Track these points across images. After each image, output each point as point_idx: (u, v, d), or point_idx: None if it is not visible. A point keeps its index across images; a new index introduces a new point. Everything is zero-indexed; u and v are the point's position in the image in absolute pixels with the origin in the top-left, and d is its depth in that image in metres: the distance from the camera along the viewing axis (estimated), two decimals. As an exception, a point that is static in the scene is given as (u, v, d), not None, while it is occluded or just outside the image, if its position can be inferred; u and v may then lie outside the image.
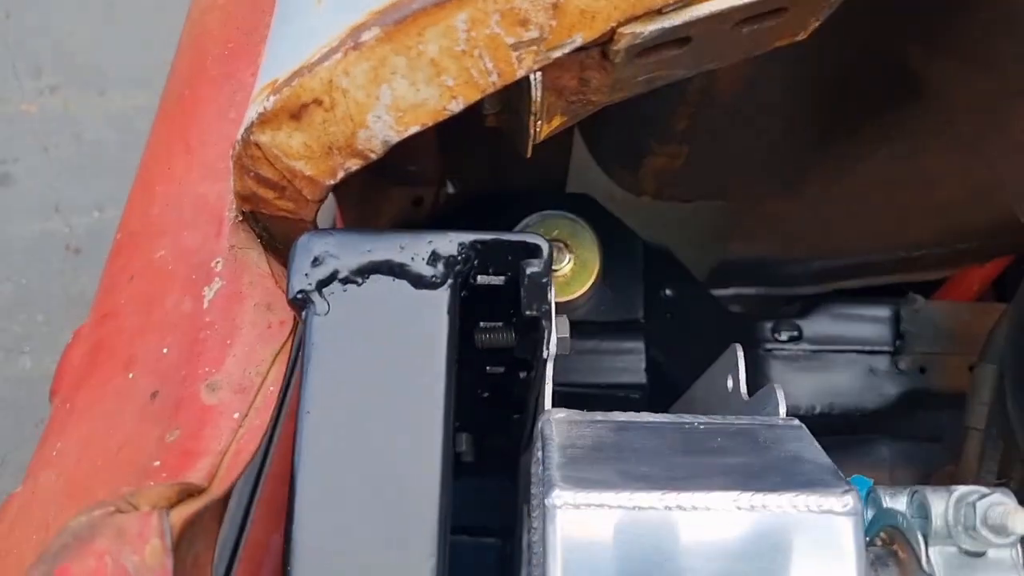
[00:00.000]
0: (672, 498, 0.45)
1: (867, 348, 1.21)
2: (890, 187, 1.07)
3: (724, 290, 1.37)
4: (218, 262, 0.54)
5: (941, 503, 0.45)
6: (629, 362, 1.07)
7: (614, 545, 0.44)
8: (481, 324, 0.60)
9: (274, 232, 0.56)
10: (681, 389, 0.87)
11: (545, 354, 0.56)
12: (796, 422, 0.54)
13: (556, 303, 1.00)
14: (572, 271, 1.03)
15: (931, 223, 1.20)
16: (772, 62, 0.82)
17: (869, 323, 1.21)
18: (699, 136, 0.91)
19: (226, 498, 0.43)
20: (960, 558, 0.45)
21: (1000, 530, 0.43)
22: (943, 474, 1.19)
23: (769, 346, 1.22)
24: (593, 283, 1.05)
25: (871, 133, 0.94)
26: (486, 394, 0.74)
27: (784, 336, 1.22)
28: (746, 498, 0.45)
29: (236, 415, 0.47)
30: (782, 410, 0.57)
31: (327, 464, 0.46)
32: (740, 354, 0.68)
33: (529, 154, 0.55)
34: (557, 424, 0.53)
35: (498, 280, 0.54)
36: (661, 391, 1.10)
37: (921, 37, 0.64)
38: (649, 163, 1.00)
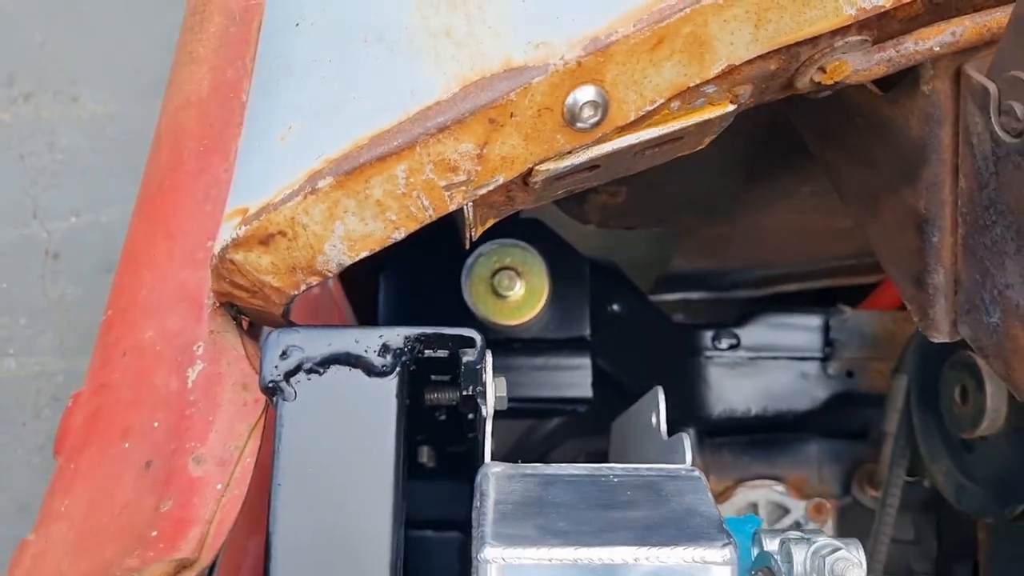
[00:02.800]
0: (583, 552, 0.55)
1: (799, 355, 1.32)
2: (813, 214, 1.17)
3: (669, 296, 1.48)
4: (199, 346, 0.62)
5: (801, 553, 0.56)
6: (577, 377, 1.17)
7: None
8: (432, 378, 0.69)
9: (248, 315, 0.65)
10: (629, 395, 0.97)
11: (484, 413, 0.66)
12: (696, 472, 0.64)
13: (508, 325, 1.10)
14: (523, 297, 1.13)
15: (854, 238, 1.30)
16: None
17: (801, 331, 1.32)
18: (636, 180, 1.00)
19: (212, 565, 0.52)
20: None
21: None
22: (863, 472, 1.31)
23: (710, 354, 1.32)
24: (543, 306, 1.14)
25: (790, 178, 1.04)
26: (443, 417, 0.84)
27: (724, 344, 1.32)
28: (643, 552, 0.55)
29: (219, 486, 0.56)
30: (688, 459, 0.67)
31: (296, 529, 0.55)
32: (661, 396, 0.78)
33: (468, 247, 0.64)
34: (494, 478, 0.62)
35: (442, 354, 0.63)
36: (611, 396, 1.21)
37: (817, 129, 0.73)
38: (592, 199, 1.09)
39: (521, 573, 0.55)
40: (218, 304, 0.63)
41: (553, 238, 1.18)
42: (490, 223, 0.62)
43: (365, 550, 0.56)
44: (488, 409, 0.65)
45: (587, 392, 1.16)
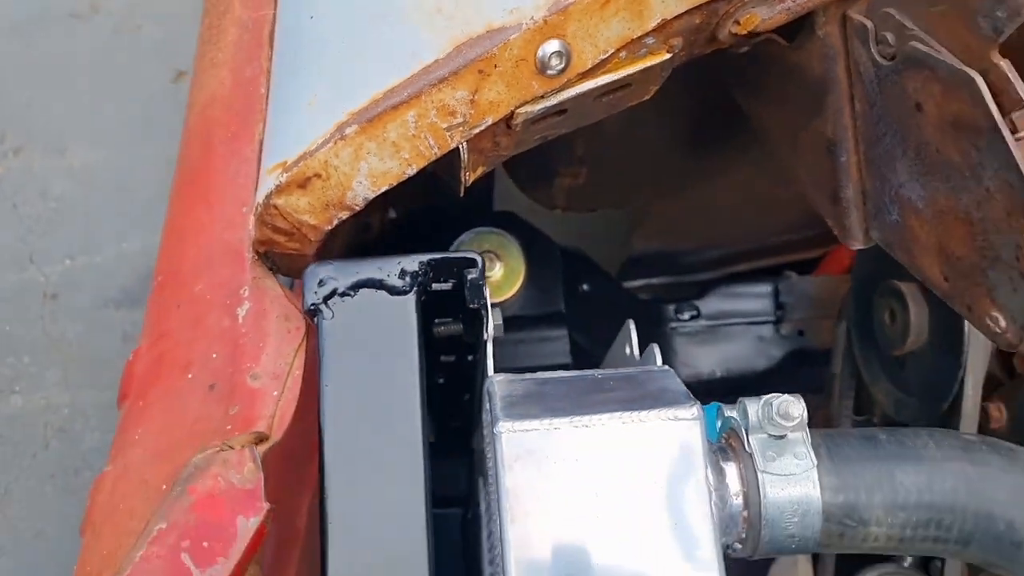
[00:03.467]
0: (577, 420, 0.67)
1: (754, 319, 1.46)
2: (755, 183, 1.32)
3: (634, 282, 1.61)
4: (245, 289, 0.74)
5: (754, 406, 0.68)
6: (555, 347, 1.29)
7: (540, 453, 0.66)
8: (436, 321, 0.82)
9: (281, 265, 0.77)
10: (601, 365, 1.10)
11: (485, 336, 0.78)
12: (667, 368, 0.77)
13: (491, 303, 1.24)
14: (502, 277, 1.26)
15: (794, 210, 1.45)
16: (638, 108, 1.06)
17: (754, 299, 1.46)
18: (594, 159, 1.14)
19: (283, 440, 0.64)
20: (769, 441, 0.68)
21: (787, 416, 0.66)
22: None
23: (673, 325, 1.46)
24: (521, 285, 1.27)
25: (730, 147, 1.18)
26: (442, 380, 0.96)
27: (685, 315, 1.46)
28: (627, 416, 0.67)
29: (275, 393, 0.68)
30: (659, 361, 0.80)
31: (343, 421, 0.67)
32: (632, 327, 0.91)
33: (462, 195, 0.77)
34: (499, 383, 0.74)
35: (447, 286, 0.76)
36: (585, 367, 1.33)
37: (740, 85, 0.88)
38: (557, 183, 1.23)
39: (528, 440, 0.67)
40: (257, 256, 0.76)
41: (526, 226, 1.31)
42: (479, 171, 0.76)
43: (398, 425, 0.68)
44: (490, 329, 0.78)
45: (567, 359, 1.29)
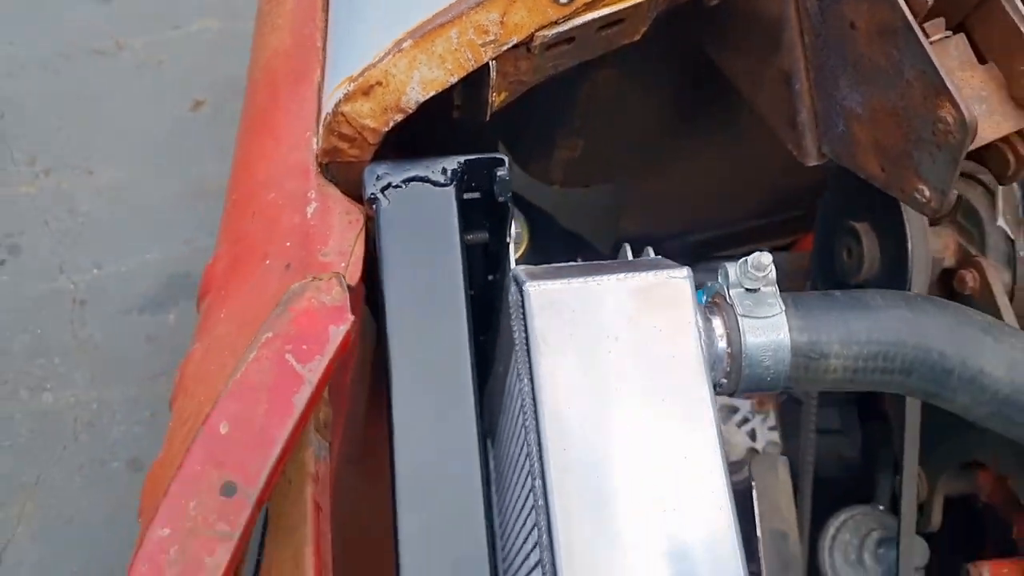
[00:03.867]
0: (590, 280, 0.83)
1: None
2: (731, 164, 1.49)
3: (623, 265, 1.78)
4: (311, 193, 0.90)
5: (733, 267, 0.84)
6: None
7: (561, 303, 0.81)
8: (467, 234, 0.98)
9: (339, 177, 0.93)
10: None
11: (509, 239, 0.95)
12: (660, 256, 0.93)
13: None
14: (509, 242, 1.42)
15: (768, 196, 1.64)
16: (632, 79, 1.25)
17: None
18: (589, 130, 1.32)
19: (356, 288, 0.79)
20: (746, 294, 0.84)
21: (759, 266, 0.82)
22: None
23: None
24: (524, 251, 1.44)
25: (708, 123, 1.37)
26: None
27: (670, 289, 1.62)
28: (631, 276, 0.83)
29: (343, 264, 0.84)
30: (651, 254, 0.96)
31: (402, 281, 0.83)
32: (628, 248, 1.07)
33: (487, 118, 0.94)
34: (522, 269, 0.90)
35: (476, 195, 0.92)
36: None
37: (712, 40, 1.06)
38: (556, 155, 1.40)
39: (551, 293, 0.82)
40: (320, 168, 0.92)
41: (527, 202, 1.48)
42: (503, 96, 0.93)
43: (445, 286, 0.83)
44: (513, 232, 0.94)
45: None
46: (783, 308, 0.84)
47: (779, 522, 1.22)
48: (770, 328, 0.84)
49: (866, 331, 0.84)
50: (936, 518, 1.28)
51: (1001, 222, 1.15)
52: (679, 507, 0.75)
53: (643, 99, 1.32)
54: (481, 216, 0.95)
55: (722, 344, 0.84)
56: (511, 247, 0.95)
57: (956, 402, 0.84)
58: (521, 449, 0.83)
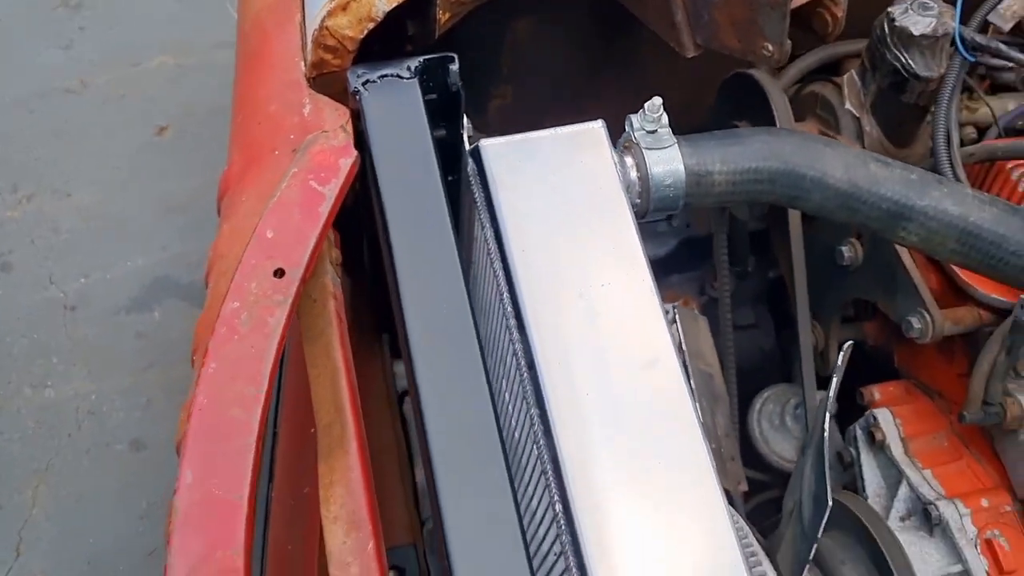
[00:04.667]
0: (530, 134, 1.09)
1: (651, 218, 1.90)
2: (637, 93, 1.78)
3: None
4: (305, 99, 1.15)
5: (636, 116, 1.11)
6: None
7: (507, 151, 1.07)
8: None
9: (325, 90, 1.18)
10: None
11: (462, 130, 1.21)
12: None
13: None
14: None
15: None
16: (548, 24, 1.53)
17: (650, 204, 1.91)
18: (516, 76, 1.59)
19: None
20: (647, 135, 1.10)
21: (654, 109, 1.09)
22: (709, 275, 1.87)
23: (592, 231, 1.89)
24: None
25: (618, 58, 1.65)
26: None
27: (600, 224, 1.89)
28: (559, 128, 1.09)
29: (342, 136, 1.09)
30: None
31: (388, 158, 1.08)
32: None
33: (435, 39, 1.20)
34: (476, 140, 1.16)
35: (433, 96, 1.18)
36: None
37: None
38: (491, 106, 1.67)
39: (499, 146, 1.08)
40: (310, 82, 1.17)
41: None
42: (448, 17, 1.20)
43: (419, 152, 1.08)
44: (464, 124, 1.20)
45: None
46: (676, 142, 1.11)
47: (704, 365, 1.47)
48: (668, 158, 1.10)
49: (739, 153, 1.11)
50: (832, 361, 1.55)
51: (848, 106, 1.45)
52: (610, 282, 1.01)
53: (560, 42, 1.60)
54: (439, 116, 1.21)
55: (633, 173, 1.10)
56: (465, 139, 1.21)
57: (811, 201, 1.12)
58: (495, 296, 1.07)
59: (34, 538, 1.98)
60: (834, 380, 1.20)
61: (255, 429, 0.83)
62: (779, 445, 1.70)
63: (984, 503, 1.29)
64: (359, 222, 1.57)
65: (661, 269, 1.94)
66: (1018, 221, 1.09)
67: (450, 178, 1.33)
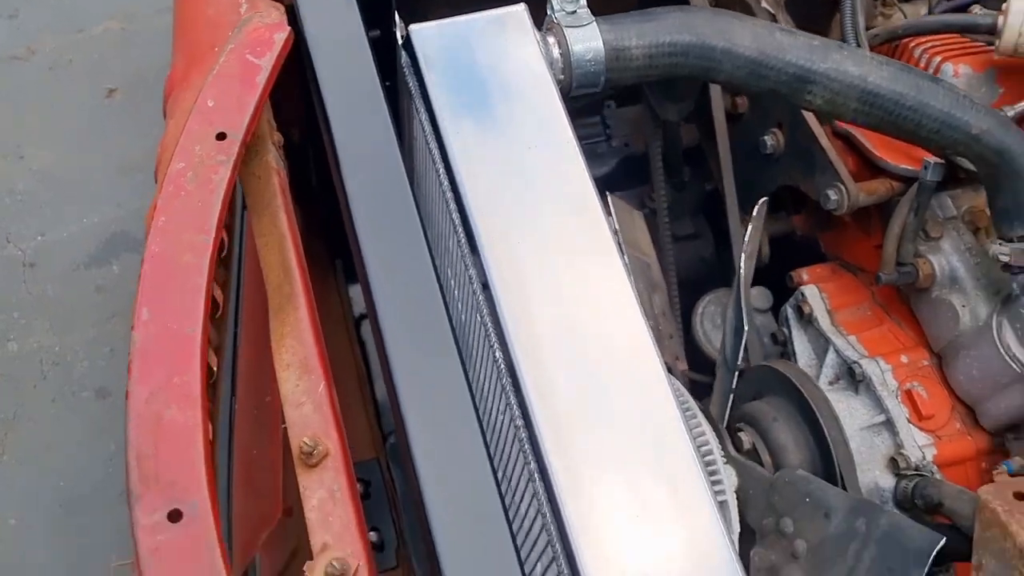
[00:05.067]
0: (457, 18, 1.16)
1: (593, 140, 1.98)
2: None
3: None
4: (242, 1, 1.21)
5: (558, 1, 1.18)
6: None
7: (436, 35, 1.13)
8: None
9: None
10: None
11: (395, 28, 1.27)
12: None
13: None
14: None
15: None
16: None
17: (590, 127, 1.99)
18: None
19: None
20: (567, 15, 1.17)
21: (571, -10, 1.16)
22: (644, 191, 1.96)
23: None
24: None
25: None
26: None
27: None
28: (483, 12, 1.16)
29: (273, 9, 1.14)
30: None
31: (322, 41, 1.14)
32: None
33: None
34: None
35: (376, 33, 1.24)
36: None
37: None
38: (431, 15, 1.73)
39: (428, 30, 1.14)
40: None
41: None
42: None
43: (353, 32, 1.14)
44: (398, 23, 1.27)
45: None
46: (594, 20, 1.18)
47: (641, 255, 1.55)
48: (587, 35, 1.17)
49: (654, 28, 1.18)
50: (764, 252, 1.64)
51: (764, 4, 1.53)
52: (537, 144, 1.08)
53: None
54: (372, 15, 1.27)
55: (556, 51, 1.17)
56: (399, 40, 1.27)
57: (723, 71, 1.19)
58: (435, 175, 1.12)
59: (5, 485, 2.02)
60: (750, 228, 1.28)
61: (205, 271, 0.89)
62: (717, 339, 1.79)
63: (904, 359, 1.38)
64: (306, 152, 1.64)
65: (602, 187, 2.01)
66: (913, 79, 1.17)
67: (387, 84, 1.40)
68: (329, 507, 0.91)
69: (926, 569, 0.97)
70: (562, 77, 1.18)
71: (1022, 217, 1.20)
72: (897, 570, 0.99)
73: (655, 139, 1.83)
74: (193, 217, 0.91)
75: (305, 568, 0.87)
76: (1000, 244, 1.22)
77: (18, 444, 2.07)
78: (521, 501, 0.90)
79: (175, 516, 0.80)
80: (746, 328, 1.17)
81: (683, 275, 1.87)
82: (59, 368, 2.17)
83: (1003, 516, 1.03)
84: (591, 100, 2.12)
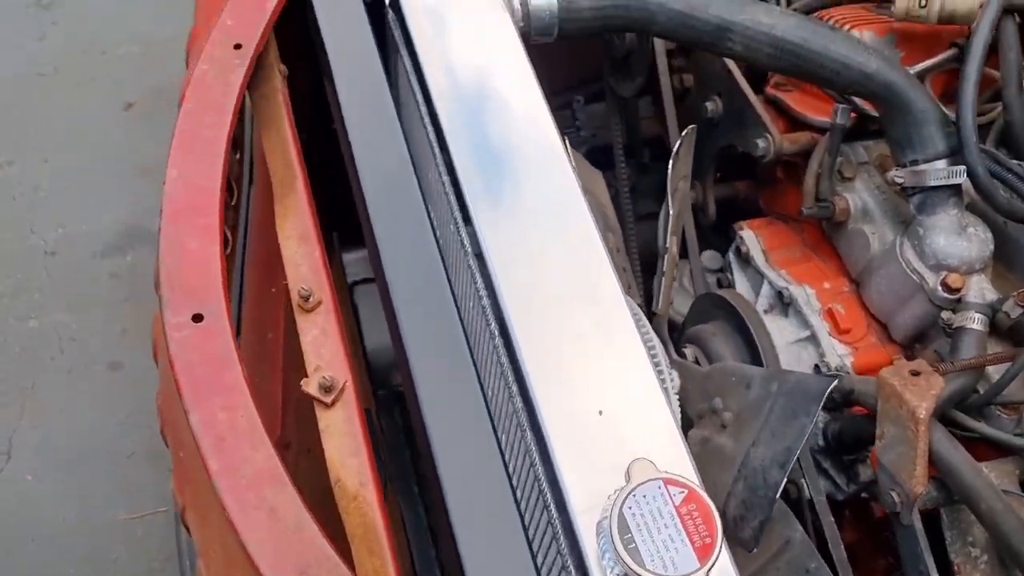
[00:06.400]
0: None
1: (564, 132, 2.20)
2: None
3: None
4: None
5: None
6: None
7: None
8: None
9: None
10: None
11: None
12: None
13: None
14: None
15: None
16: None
17: (560, 121, 2.21)
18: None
19: None
20: (527, -24, 1.40)
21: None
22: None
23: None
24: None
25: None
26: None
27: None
28: None
29: (283, -15, 1.38)
30: None
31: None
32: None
33: None
34: None
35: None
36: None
37: None
38: None
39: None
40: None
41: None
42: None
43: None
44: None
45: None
46: (551, -16, 1.41)
47: (599, 207, 1.76)
48: (545, -8, 1.40)
49: (600, -14, 1.41)
50: (711, 211, 1.85)
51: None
52: (499, 99, 1.29)
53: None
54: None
55: (516, 3, 1.40)
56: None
57: (658, 23, 1.42)
58: (423, 125, 1.33)
59: (22, 444, 2.19)
60: (681, 148, 1.49)
61: (224, 142, 1.10)
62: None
63: (826, 285, 1.58)
64: (313, 137, 1.86)
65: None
66: (816, 27, 1.40)
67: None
68: (321, 340, 1.10)
69: (819, 405, 1.15)
70: (522, 25, 1.40)
71: (912, 145, 1.41)
72: (799, 410, 1.18)
73: (616, 124, 2.06)
74: (214, 103, 1.13)
75: (302, 383, 1.06)
76: (896, 170, 1.43)
77: (35, 410, 2.25)
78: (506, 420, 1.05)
79: (197, 318, 0.99)
80: (672, 214, 1.37)
81: (644, 255, 2.07)
82: (75, 344, 2.35)
83: (899, 388, 1.22)
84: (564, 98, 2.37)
